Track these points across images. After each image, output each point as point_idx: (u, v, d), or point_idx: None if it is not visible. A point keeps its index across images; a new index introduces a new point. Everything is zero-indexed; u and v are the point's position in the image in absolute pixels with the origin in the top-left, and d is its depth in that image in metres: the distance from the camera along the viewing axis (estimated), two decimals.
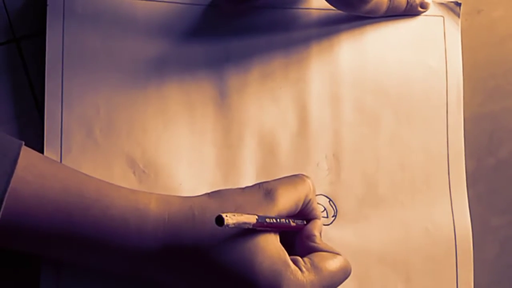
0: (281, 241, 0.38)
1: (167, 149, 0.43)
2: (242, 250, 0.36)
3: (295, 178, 0.40)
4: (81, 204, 0.36)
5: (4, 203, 0.33)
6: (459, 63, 0.47)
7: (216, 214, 0.33)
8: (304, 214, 0.41)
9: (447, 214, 0.45)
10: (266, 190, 0.38)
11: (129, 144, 0.43)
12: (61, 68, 0.43)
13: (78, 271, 0.40)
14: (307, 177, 0.40)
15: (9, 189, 0.34)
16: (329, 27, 0.46)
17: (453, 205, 0.46)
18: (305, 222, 0.41)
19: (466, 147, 0.46)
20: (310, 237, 0.40)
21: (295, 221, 0.40)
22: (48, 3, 0.43)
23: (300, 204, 0.40)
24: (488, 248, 0.46)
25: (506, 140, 0.48)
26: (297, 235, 0.41)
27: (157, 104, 0.44)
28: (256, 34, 0.46)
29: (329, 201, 0.44)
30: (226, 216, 0.33)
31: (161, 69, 0.44)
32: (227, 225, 0.33)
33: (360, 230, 0.44)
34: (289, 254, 0.38)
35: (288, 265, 0.37)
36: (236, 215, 0.34)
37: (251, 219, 0.35)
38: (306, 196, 0.40)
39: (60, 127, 0.42)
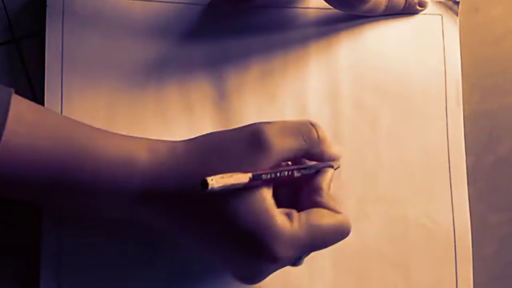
0: (286, 188, 0.38)
1: None
2: (226, 201, 0.34)
3: (298, 123, 0.37)
4: (72, 152, 0.36)
5: None
6: (458, 61, 0.47)
7: (200, 166, 0.32)
8: (313, 158, 0.38)
9: (447, 212, 0.46)
10: (258, 138, 0.35)
11: None
12: (60, 68, 0.43)
13: (78, 259, 0.41)
14: (312, 123, 0.38)
15: (1, 143, 0.34)
16: (328, 26, 0.46)
17: (453, 202, 0.46)
18: (313, 167, 0.38)
19: (465, 145, 0.46)
20: (316, 191, 0.38)
21: (300, 171, 0.37)
22: (47, 3, 0.43)
23: (300, 154, 0.37)
24: (487, 245, 0.46)
25: (505, 138, 0.48)
26: (305, 183, 0.38)
27: (157, 104, 0.44)
28: (254, 33, 0.46)
29: None
30: (212, 180, 0.31)
31: (160, 68, 0.44)
32: (213, 189, 0.31)
33: (360, 227, 0.44)
34: (294, 202, 0.37)
35: (275, 221, 0.35)
36: (224, 176, 0.32)
37: (242, 179, 0.32)
38: (310, 145, 0.37)
39: None
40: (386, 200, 0.45)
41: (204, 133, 0.43)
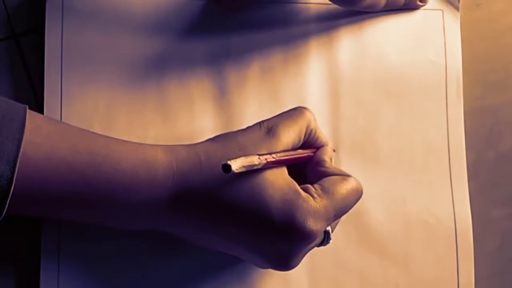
0: (292, 174, 0.38)
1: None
2: (251, 187, 0.36)
3: (294, 111, 0.40)
4: (92, 161, 0.36)
5: (17, 167, 0.33)
6: (459, 57, 0.47)
7: (222, 157, 0.34)
8: (310, 144, 0.41)
9: (448, 207, 0.46)
10: (267, 128, 0.38)
11: (128, 139, 0.42)
12: (60, 64, 0.43)
13: (78, 251, 0.41)
14: (305, 108, 0.40)
15: (20, 155, 0.34)
16: (328, 21, 0.46)
17: (454, 198, 0.46)
18: (314, 151, 0.41)
19: (466, 140, 0.46)
20: (320, 162, 0.40)
21: (303, 150, 0.40)
22: None
23: (302, 136, 0.40)
24: (489, 240, 0.46)
25: (506, 133, 0.48)
26: (307, 164, 0.41)
27: (157, 100, 0.44)
28: (255, 29, 0.46)
29: None
30: (232, 162, 0.33)
31: (160, 64, 0.44)
32: (234, 171, 0.33)
33: (361, 223, 0.44)
34: (301, 185, 0.38)
35: (299, 194, 0.37)
36: (241, 158, 0.34)
37: (255, 159, 0.35)
38: (307, 126, 0.40)
39: None
40: (386, 196, 0.45)
41: (205, 130, 0.44)
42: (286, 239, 0.36)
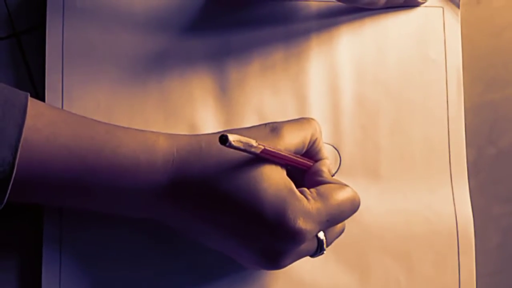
0: (292, 176, 0.39)
1: None
2: (247, 178, 0.36)
3: (301, 119, 0.41)
4: (93, 146, 0.36)
5: (18, 152, 0.34)
6: (459, 54, 0.47)
7: (222, 147, 0.34)
8: (311, 154, 0.41)
9: (449, 204, 0.45)
10: (272, 128, 0.39)
11: None
12: (61, 62, 0.43)
13: (78, 243, 0.42)
14: (312, 119, 0.41)
15: (22, 139, 0.34)
16: (329, 19, 0.46)
17: (454, 194, 0.46)
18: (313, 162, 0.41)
19: (467, 137, 0.46)
20: (317, 172, 0.40)
21: (304, 158, 0.40)
22: None
23: (307, 143, 0.40)
24: (490, 237, 0.46)
25: (507, 130, 0.48)
26: (305, 173, 0.41)
27: (158, 97, 0.44)
28: (256, 26, 0.46)
29: None
30: (230, 134, 0.33)
31: (161, 62, 0.44)
32: (230, 143, 0.33)
33: (362, 220, 0.44)
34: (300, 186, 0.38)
35: (294, 193, 0.37)
36: (240, 136, 0.34)
37: (253, 141, 0.35)
38: (312, 135, 0.40)
39: None
40: (387, 193, 0.45)
41: (206, 127, 0.44)
42: (275, 235, 0.36)
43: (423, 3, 0.47)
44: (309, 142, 0.40)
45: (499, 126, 0.48)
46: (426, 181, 0.46)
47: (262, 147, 0.36)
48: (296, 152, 0.39)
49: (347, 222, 0.41)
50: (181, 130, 0.44)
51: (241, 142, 0.34)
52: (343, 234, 0.41)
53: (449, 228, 0.45)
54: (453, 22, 0.47)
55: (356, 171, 0.45)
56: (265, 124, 0.39)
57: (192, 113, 0.44)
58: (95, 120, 0.38)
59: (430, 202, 0.45)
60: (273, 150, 0.36)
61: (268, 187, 0.36)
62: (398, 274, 0.44)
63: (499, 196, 0.47)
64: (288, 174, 0.39)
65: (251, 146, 0.35)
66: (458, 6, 0.48)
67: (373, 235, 0.44)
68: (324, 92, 0.46)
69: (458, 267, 0.45)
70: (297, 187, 0.38)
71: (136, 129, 0.38)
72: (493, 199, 0.47)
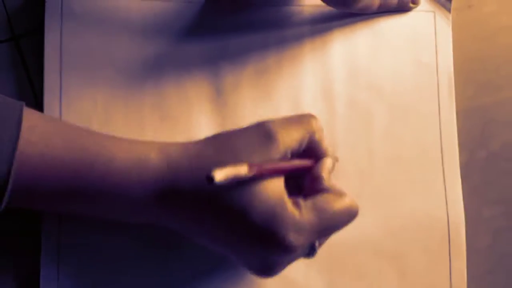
0: (289, 181, 0.38)
1: None
2: (238, 195, 0.35)
3: (300, 117, 0.39)
4: (85, 159, 0.36)
5: (13, 166, 0.34)
6: (450, 58, 0.47)
7: (213, 161, 0.33)
8: (312, 152, 0.39)
9: (441, 206, 0.46)
10: (266, 131, 0.37)
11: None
12: (59, 66, 0.43)
13: (78, 244, 0.42)
14: (312, 116, 0.39)
15: (17, 153, 0.34)
16: (322, 24, 0.47)
17: (447, 197, 0.46)
18: (312, 161, 0.40)
19: (458, 140, 0.47)
20: (317, 178, 0.39)
21: (301, 161, 0.39)
22: (46, 1, 0.43)
23: (304, 143, 0.39)
24: (481, 239, 0.46)
25: (498, 133, 0.48)
26: (305, 176, 0.40)
27: (154, 100, 0.44)
28: (250, 31, 0.46)
29: None
30: (217, 172, 0.32)
31: (157, 66, 0.45)
32: (218, 183, 0.32)
33: (355, 223, 0.44)
34: (299, 192, 0.38)
35: (286, 208, 0.36)
36: (228, 169, 0.33)
37: (243, 170, 0.34)
38: (311, 135, 0.39)
39: None
40: (381, 196, 0.45)
41: (201, 129, 0.44)
42: (266, 249, 0.36)
43: (415, 7, 0.48)
44: (307, 140, 0.39)
45: (490, 129, 0.48)
46: (419, 184, 0.46)
47: (254, 171, 0.34)
48: (293, 153, 0.38)
49: None
50: (177, 132, 0.44)
51: (229, 177, 0.33)
52: (336, 237, 0.41)
53: (441, 231, 0.45)
54: (444, 26, 0.48)
55: (349, 174, 0.45)
56: (258, 126, 0.38)
57: (188, 116, 0.44)
58: (88, 131, 0.38)
59: (423, 205, 0.45)
60: (266, 168, 0.35)
61: (259, 204, 0.35)
62: (391, 275, 0.45)
63: (490, 198, 0.47)
64: (286, 176, 0.38)
65: (240, 176, 0.34)
66: (449, 11, 0.48)
67: (367, 238, 0.45)
68: (317, 96, 0.46)
69: (449, 268, 0.45)
70: (299, 190, 0.38)
71: (129, 141, 0.38)
72: (484, 201, 0.47)
